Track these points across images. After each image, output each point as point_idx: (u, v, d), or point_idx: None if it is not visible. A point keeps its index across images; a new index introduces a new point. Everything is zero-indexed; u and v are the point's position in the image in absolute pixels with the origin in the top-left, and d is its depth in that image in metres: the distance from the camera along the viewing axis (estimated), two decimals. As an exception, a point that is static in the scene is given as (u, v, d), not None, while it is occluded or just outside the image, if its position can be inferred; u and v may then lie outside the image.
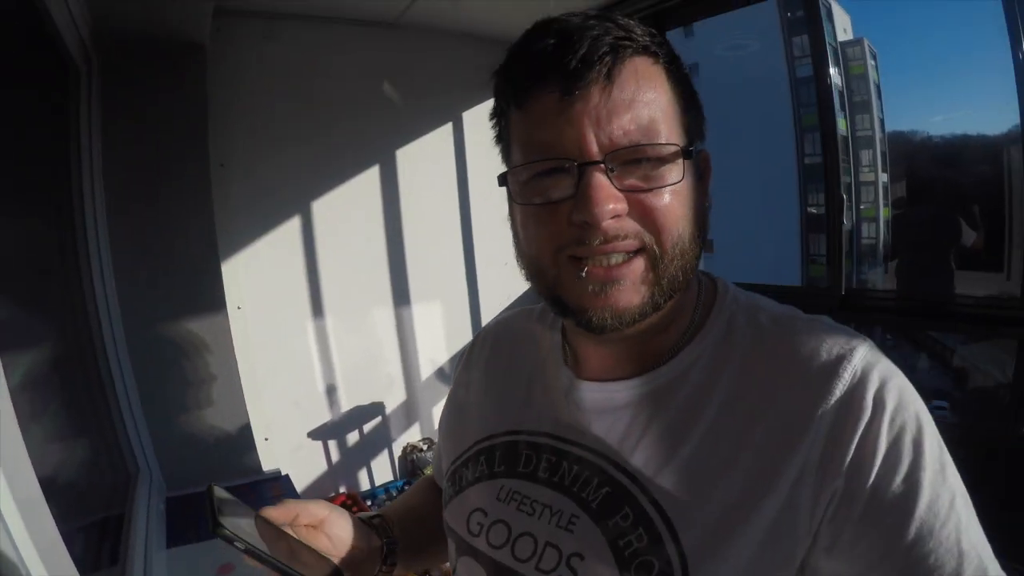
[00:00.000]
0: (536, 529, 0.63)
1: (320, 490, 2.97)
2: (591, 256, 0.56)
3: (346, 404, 3.06)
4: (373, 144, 3.11)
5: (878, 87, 14.11)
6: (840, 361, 0.56)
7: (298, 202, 2.91)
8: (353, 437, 3.10)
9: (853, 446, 0.53)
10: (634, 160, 0.56)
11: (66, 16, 1.73)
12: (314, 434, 2.96)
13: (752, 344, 0.62)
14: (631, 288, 0.57)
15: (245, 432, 2.32)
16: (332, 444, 3.03)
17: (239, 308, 2.61)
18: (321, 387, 3.00)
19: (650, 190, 0.56)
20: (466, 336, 3.41)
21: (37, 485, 0.88)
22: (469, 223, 3.41)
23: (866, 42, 13.98)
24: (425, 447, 3.21)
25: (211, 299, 2.29)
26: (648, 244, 0.57)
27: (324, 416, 3.00)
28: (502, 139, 0.64)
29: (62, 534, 0.88)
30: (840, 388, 0.55)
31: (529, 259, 0.62)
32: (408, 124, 3.20)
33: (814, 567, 0.55)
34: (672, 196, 0.57)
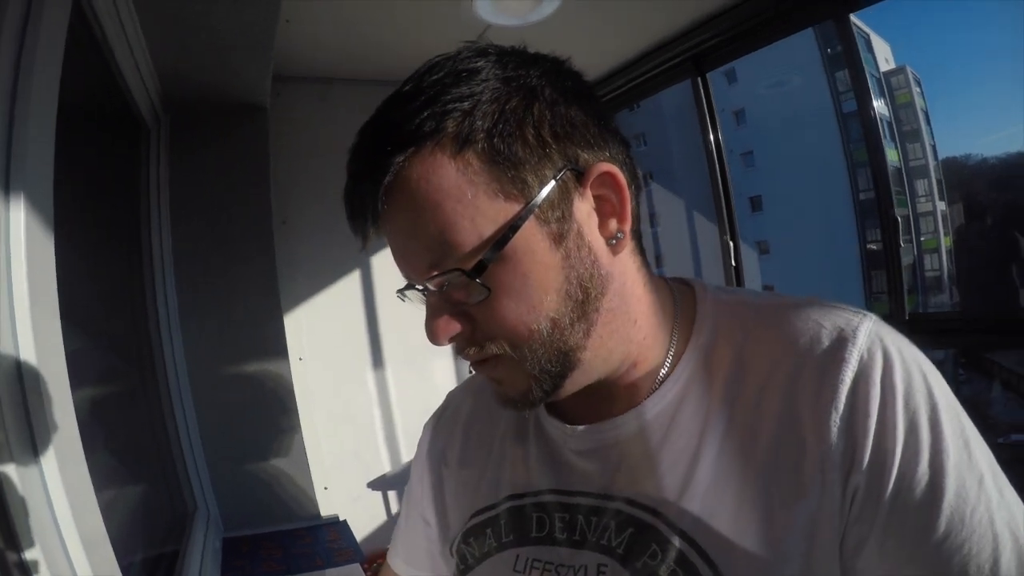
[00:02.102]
0: None
1: (379, 540, 2.97)
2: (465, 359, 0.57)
3: (406, 455, 3.06)
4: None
5: (926, 114, 13.86)
6: (844, 342, 0.53)
7: (357, 256, 2.99)
8: (413, 488, 3.11)
9: (870, 439, 0.50)
10: (443, 293, 0.54)
11: (137, 78, 1.86)
12: (373, 484, 2.97)
13: (743, 341, 0.58)
14: (511, 382, 0.57)
15: (304, 478, 2.36)
16: (391, 495, 3.02)
17: (300, 359, 2.69)
18: (381, 437, 3.02)
19: (474, 304, 0.53)
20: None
21: (100, 520, 0.91)
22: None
23: (909, 69, 13.80)
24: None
25: (274, 349, 2.36)
26: (499, 350, 0.55)
27: (384, 467, 3.02)
28: None
29: (120, 564, 0.91)
30: (848, 372, 0.51)
31: None
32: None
33: (847, 565, 0.52)
34: (502, 302, 0.52)
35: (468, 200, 0.51)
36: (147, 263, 2.10)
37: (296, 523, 2.28)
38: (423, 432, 0.83)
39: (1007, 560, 0.48)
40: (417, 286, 0.55)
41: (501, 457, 0.70)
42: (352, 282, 2.99)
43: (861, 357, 0.52)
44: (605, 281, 0.56)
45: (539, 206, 0.52)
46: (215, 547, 1.99)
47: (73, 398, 0.90)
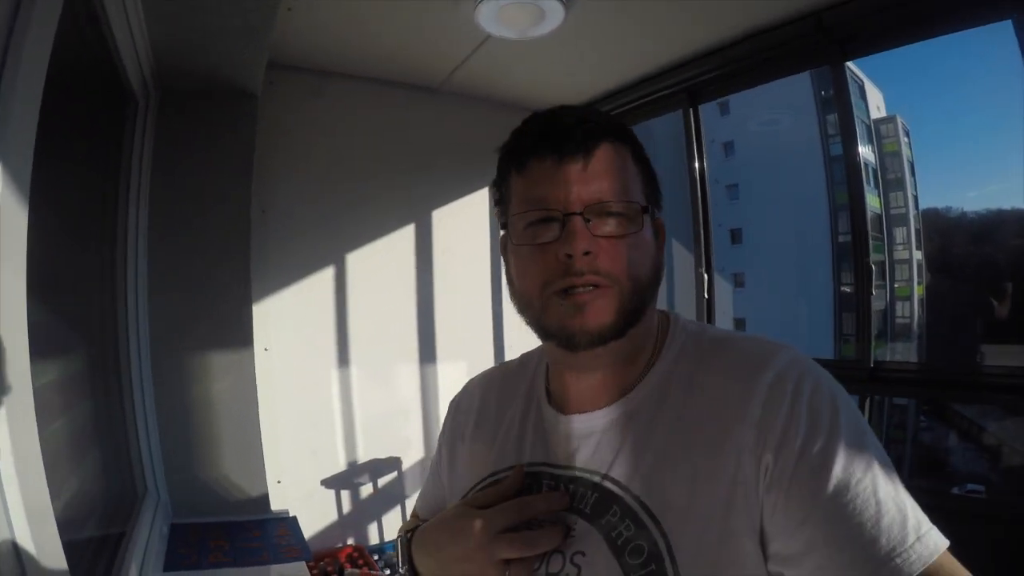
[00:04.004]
0: None
1: (328, 539, 2.96)
2: (570, 286, 0.70)
3: (363, 456, 3.07)
4: (410, 203, 3.23)
5: (912, 164, 14.14)
6: (766, 361, 0.70)
7: (334, 253, 3.01)
8: (367, 490, 3.09)
9: (778, 426, 0.65)
10: (605, 214, 0.70)
11: (130, 48, 1.85)
12: (328, 482, 2.96)
13: (697, 361, 0.76)
14: (599, 312, 0.70)
15: (258, 470, 2.34)
16: (345, 494, 3.02)
17: (266, 350, 2.68)
18: (339, 436, 3.02)
19: (616, 238, 0.71)
20: (491, 400, 3.45)
21: (47, 492, 0.92)
22: (499, 287, 3.47)
23: (899, 119, 14.07)
24: (440, 506, 3.18)
25: (239, 337, 2.34)
26: (612, 283, 0.70)
27: (339, 465, 3.01)
28: (502, 200, 0.79)
29: (62, 539, 0.91)
30: (765, 382, 0.68)
31: (520, 294, 0.76)
32: (445, 186, 3.33)
33: (767, 533, 0.65)
34: (633, 246, 0.72)
35: (642, 181, 0.76)
36: (120, 237, 2.07)
37: (246, 515, 2.26)
38: (448, 410, 1.01)
39: (888, 522, 0.60)
40: (577, 212, 0.70)
41: (507, 435, 0.86)
42: (325, 278, 2.99)
43: (777, 372, 0.68)
44: (659, 282, 0.76)
45: (656, 204, 0.78)
46: (162, 532, 1.97)
47: (32, 367, 0.90)
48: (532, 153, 0.73)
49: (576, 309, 0.70)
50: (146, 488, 2.09)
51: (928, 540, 0.60)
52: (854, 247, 2.79)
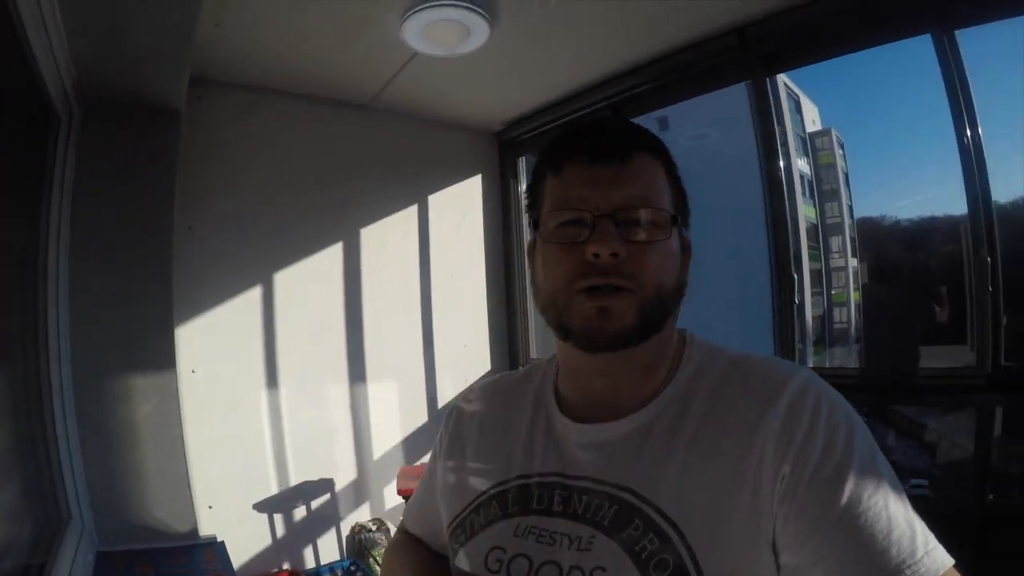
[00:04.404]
0: (558, 556, 0.73)
1: (263, 564, 2.93)
2: (594, 286, 0.72)
3: (295, 479, 3.07)
4: (339, 220, 3.26)
5: (846, 175, 14.71)
6: (786, 381, 0.72)
7: (262, 272, 3.01)
8: (300, 512, 3.09)
9: (797, 440, 0.67)
10: (635, 219, 0.73)
11: (51, 64, 1.84)
12: (260, 506, 2.95)
13: (717, 377, 0.78)
14: (621, 315, 0.72)
15: (184, 495, 2.31)
16: (278, 518, 3.01)
17: (193, 372, 2.66)
18: (270, 459, 3.01)
19: (644, 243, 0.73)
20: (422, 418, 3.49)
21: None
22: (430, 304, 3.55)
23: (834, 132, 14.65)
24: (374, 528, 3.20)
25: (160, 359, 2.32)
26: (636, 287, 0.72)
27: (271, 489, 3.00)
28: (534, 204, 0.82)
29: None
30: (786, 399, 0.70)
31: (544, 292, 0.78)
32: (374, 204, 3.37)
33: (778, 544, 0.67)
34: (658, 253, 0.74)
35: (672, 195, 0.78)
36: (41, 257, 2.06)
37: (173, 541, 2.24)
38: (446, 418, 0.99)
39: (898, 535, 0.62)
40: (607, 214, 0.72)
41: (515, 444, 0.86)
42: (254, 297, 3.00)
43: (797, 390, 0.71)
44: (682, 295, 0.79)
45: (684, 220, 0.81)
46: (87, 561, 1.95)
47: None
48: (568, 156, 0.77)
49: (598, 310, 0.72)
50: (70, 515, 2.05)
51: (936, 555, 0.62)
52: (776, 259, 2.90)
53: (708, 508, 0.69)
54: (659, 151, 0.79)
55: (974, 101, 2.25)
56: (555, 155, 0.79)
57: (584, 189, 0.74)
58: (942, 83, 2.28)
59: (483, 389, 0.99)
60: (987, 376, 2.25)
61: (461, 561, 0.81)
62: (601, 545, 0.71)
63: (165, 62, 2.03)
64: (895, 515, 0.64)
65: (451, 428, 0.96)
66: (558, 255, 0.75)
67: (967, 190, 2.27)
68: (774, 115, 2.89)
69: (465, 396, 1.00)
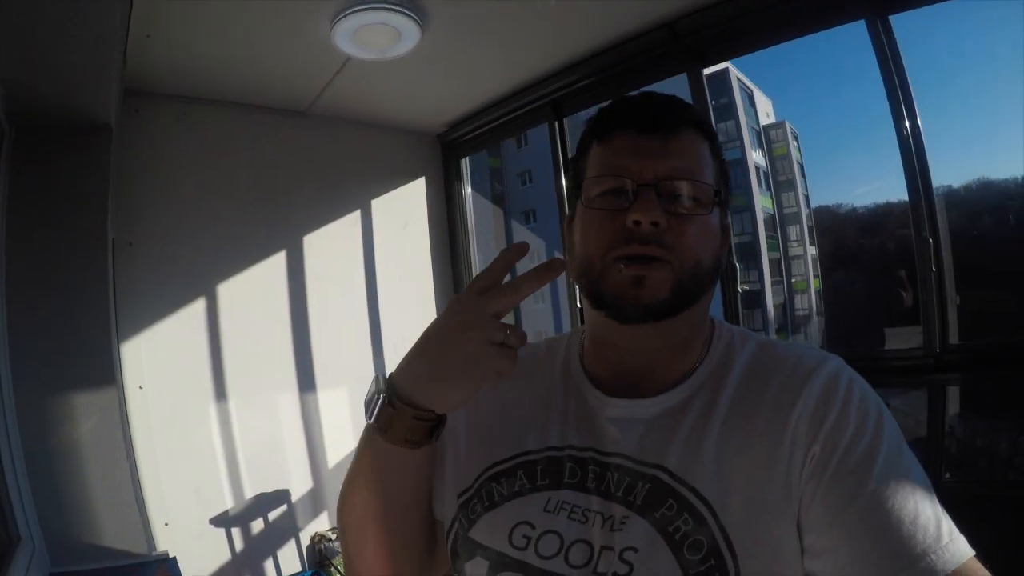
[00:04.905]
0: (590, 535, 0.72)
1: (223, 580, 2.95)
2: (632, 254, 0.73)
3: (250, 491, 3.07)
4: (281, 229, 3.29)
5: (801, 166, 15.13)
6: (819, 365, 0.74)
7: (205, 284, 3.03)
8: (258, 525, 3.09)
9: (830, 421, 0.69)
10: (676, 193, 0.74)
11: None
12: (216, 521, 2.96)
13: (749, 359, 0.80)
14: (656, 286, 0.73)
15: (132, 513, 2.32)
16: (236, 532, 3.02)
17: (140, 388, 2.68)
18: (224, 473, 3.02)
19: (683, 215, 0.74)
20: (373, 423, 3.49)
21: None
22: (376, 309, 3.59)
23: (788, 124, 15.10)
24: (334, 537, 3.22)
25: (100, 375, 2.33)
26: (673, 258, 0.73)
27: (227, 503, 3.01)
28: (577, 173, 0.83)
29: None
30: (819, 382, 0.72)
31: (582, 258, 0.78)
32: (316, 210, 3.41)
33: (803, 524, 0.68)
34: (698, 228, 0.75)
35: (715, 174, 0.79)
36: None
37: (125, 560, 2.25)
38: None
39: (924, 521, 0.63)
40: (651, 183, 0.73)
41: (542, 415, 0.84)
42: (198, 310, 3.01)
43: (830, 373, 0.73)
44: (718, 275, 0.80)
45: (726, 200, 0.82)
46: (39, 583, 1.96)
47: None
48: (615, 125, 0.78)
49: (634, 278, 0.72)
50: (19, 535, 2.06)
51: (959, 543, 0.63)
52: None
53: (743, 489, 0.69)
54: (706, 130, 0.80)
55: (910, 85, 2.31)
56: (602, 125, 0.80)
57: (628, 158, 0.75)
58: (878, 70, 2.34)
59: None
60: (935, 356, 2.33)
61: (479, 533, 0.78)
62: (633, 524, 0.71)
63: (93, 76, 2.04)
64: (921, 501, 0.65)
65: None
66: (598, 222, 0.76)
67: (907, 174, 2.34)
68: (718, 105, 2.98)
69: None
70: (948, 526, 0.64)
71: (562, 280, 0.83)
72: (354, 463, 0.83)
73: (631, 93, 0.83)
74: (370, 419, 0.73)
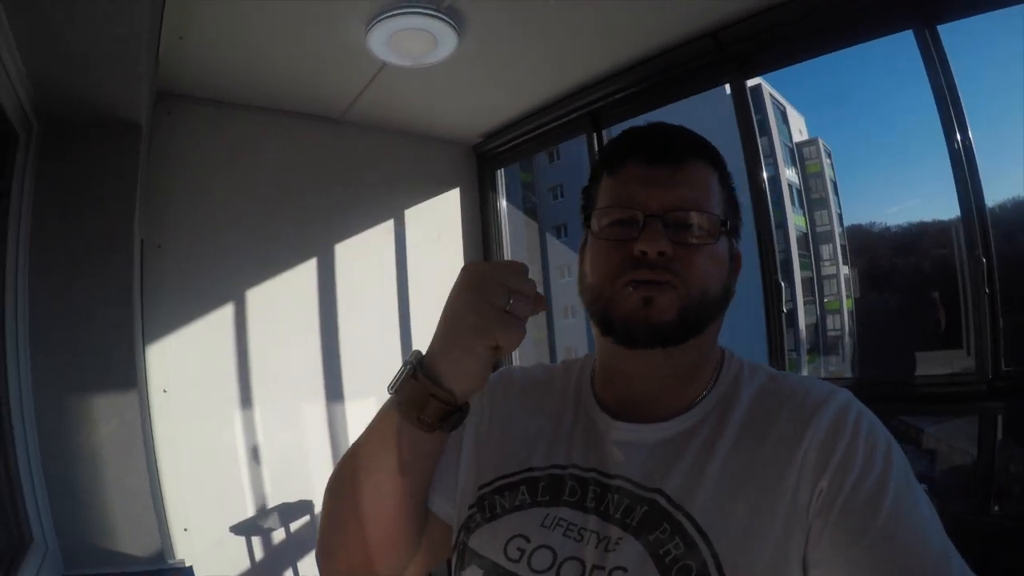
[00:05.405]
0: (584, 554, 0.73)
1: (238, 588, 2.89)
2: (640, 279, 0.74)
3: (272, 500, 3.02)
4: (313, 236, 3.25)
5: (835, 184, 14.91)
6: (828, 398, 0.74)
7: (234, 289, 2.99)
8: (279, 535, 3.04)
9: (838, 455, 0.68)
10: (684, 223, 0.76)
11: (5, 80, 1.85)
12: (237, 529, 2.91)
13: (757, 390, 0.80)
14: (663, 306, 0.74)
15: (150, 518, 2.27)
16: (256, 541, 2.96)
17: (165, 391, 2.64)
18: (246, 480, 2.97)
19: (691, 245, 0.76)
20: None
21: None
22: (408, 320, 3.53)
23: (821, 142, 14.91)
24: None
25: (123, 378, 2.29)
26: (680, 285, 0.74)
27: (248, 511, 2.96)
28: (589, 203, 0.85)
29: None
30: (828, 416, 0.72)
31: (591, 287, 0.80)
32: (349, 219, 3.37)
33: (809, 559, 0.67)
34: (706, 257, 0.77)
35: (723, 204, 0.81)
36: (0, 274, 2.05)
37: (140, 566, 2.21)
38: (497, 376, 0.96)
39: (934, 558, 0.64)
40: (658, 214, 0.75)
41: (549, 434, 0.87)
42: (226, 315, 2.97)
43: (839, 406, 0.73)
44: (727, 303, 0.82)
45: (735, 230, 0.84)
46: (50, 586, 1.92)
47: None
48: (625, 156, 0.80)
49: (643, 300, 0.74)
50: (32, 537, 2.03)
51: None
52: (761, 266, 2.87)
53: (742, 518, 0.69)
54: (715, 160, 0.82)
55: (961, 99, 2.21)
56: (611, 155, 0.82)
57: (637, 188, 0.77)
58: (927, 82, 2.24)
59: (521, 370, 1.00)
60: (988, 382, 2.20)
61: (476, 541, 0.80)
62: (626, 545, 0.72)
63: (122, 75, 2.01)
64: (931, 538, 0.65)
65: (489, 395, 0.92)
66: (606, 251, 0.78)
67: (959, 191, 2.23)
68: (755, 120, 2.88)
69: (509, 368, 1.00)
70: (958, 562, 0.65)
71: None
72: (364, 432, 0.85)
73: (640, 125, 0.84)
74: (393, 389, 0.77)
